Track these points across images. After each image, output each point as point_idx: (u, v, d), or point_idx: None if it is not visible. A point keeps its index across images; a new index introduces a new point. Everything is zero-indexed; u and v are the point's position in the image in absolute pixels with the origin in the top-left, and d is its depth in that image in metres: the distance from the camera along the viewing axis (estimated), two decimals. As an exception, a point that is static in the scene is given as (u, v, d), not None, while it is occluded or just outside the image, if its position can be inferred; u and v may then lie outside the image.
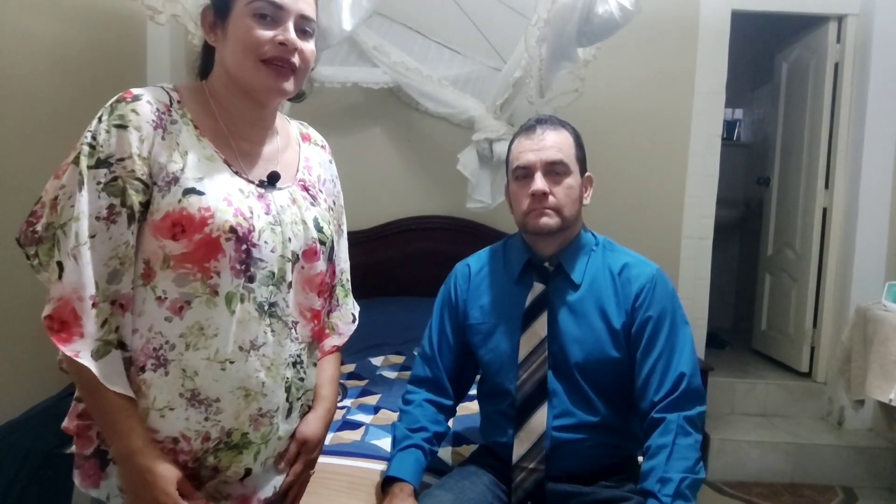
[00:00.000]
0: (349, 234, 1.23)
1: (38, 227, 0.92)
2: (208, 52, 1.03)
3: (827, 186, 3.14)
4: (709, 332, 3.16)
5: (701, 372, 1.32)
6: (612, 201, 2.97)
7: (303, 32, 0.98)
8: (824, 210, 3.15)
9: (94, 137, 0.89)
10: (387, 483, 1.28)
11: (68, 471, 0.97)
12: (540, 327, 1.32)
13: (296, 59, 0.96)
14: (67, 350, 0.85)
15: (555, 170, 1.31)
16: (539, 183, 1.29)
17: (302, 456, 1.08)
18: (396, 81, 2.71)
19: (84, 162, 0.88)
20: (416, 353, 2.34)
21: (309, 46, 0.99)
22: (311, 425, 1.09)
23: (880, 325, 2.40)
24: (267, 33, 0.94)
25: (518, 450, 1.29)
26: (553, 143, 1.32)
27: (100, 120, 0.91)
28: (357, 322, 1.23)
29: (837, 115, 3.07)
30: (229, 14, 0.95)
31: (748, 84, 4.52)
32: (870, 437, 2.88)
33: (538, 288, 1.34)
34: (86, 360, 0.86)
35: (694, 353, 1.29)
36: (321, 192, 1.10)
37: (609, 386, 1.31)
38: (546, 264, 1.36)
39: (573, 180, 1.32)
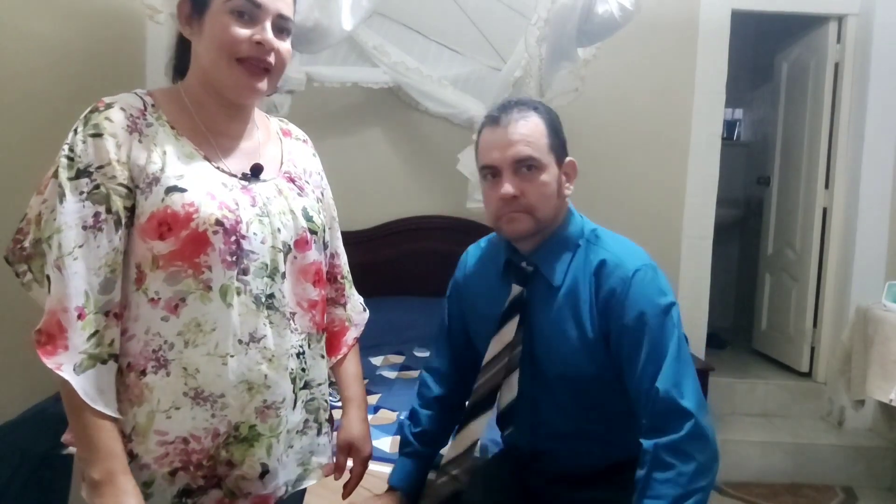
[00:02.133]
0: (349, 233, 1.24)
1: (26, 244, 0.92)
2: (183, 49, 1.02)
3: (827, 186, 3.13)
4: (709, 332, 3.15)
5: (701, 372, 1.24)
6: (612, 200, 2.98)
7: (280, 31, 0.97)
8: (824, 210, 3.15)
9: (71, 150, 0.89)
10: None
11: (66, 472, 0.96)
12: (507, 332, 1.19)
13: (272, 59, 0.96)
14: (50, 363, 0.84)
15: (525, 166, 1.14)
16: (507, 186, 1.13)
17: (355, 458, 1.16)
18: (396, 81, 2.71)
19: (63, 174, 0.88)
20: (415, 353, 2.37)
21: (285, 46, 0.98)
22: (352, 428, 1.15)
23: (880, 325, 2.41)
24: (244, 32, 0.93)
25: (449, 452, 1.21)
26: (521, 137, 1.13)
27: (75, 132, 0.91)
28: (367, 311, 1.26)
29: (837, 115, 3.06)
30: (206, 9, 0.95)
31: (748, 84, 4.52)
32: (870, 437, 2.87)
33: (516, 290, 1.21)
34: (67, 374, 0.84)
35: (679, 361, 1.07)
36: (308, 182, 1.10)
37: (597, 397, 1.18)
38: (524, 264, 1.21)
39: (548, 175, 1.15)
